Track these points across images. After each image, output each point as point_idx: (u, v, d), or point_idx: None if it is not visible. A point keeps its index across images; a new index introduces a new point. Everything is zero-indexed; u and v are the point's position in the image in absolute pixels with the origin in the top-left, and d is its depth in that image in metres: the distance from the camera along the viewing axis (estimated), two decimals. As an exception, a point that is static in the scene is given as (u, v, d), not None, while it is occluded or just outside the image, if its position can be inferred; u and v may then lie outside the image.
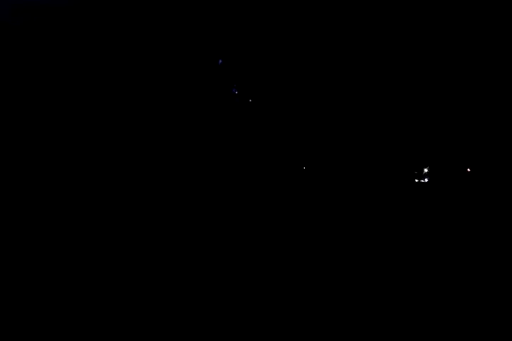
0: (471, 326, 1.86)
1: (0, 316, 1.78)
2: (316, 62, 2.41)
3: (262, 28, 2.41)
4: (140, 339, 1.76)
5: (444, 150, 2.26)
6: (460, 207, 2.16)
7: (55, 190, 2.21)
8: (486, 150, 2.21)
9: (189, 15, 2.42)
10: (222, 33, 2.44)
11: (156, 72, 2.45)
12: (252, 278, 2.04)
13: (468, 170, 2.21)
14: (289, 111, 2.47)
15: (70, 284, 1.95)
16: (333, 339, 1.80)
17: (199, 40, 2.44)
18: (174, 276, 2.02)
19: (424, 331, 1.85)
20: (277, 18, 2.39)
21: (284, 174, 2.40)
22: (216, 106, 2.50)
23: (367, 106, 2.36)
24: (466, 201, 2.17)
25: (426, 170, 2.26)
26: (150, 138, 2.40)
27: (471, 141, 2.23)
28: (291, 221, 2.26)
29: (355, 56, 2.33)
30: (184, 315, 1.85)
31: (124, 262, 2.07)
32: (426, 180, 2.25)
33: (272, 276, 2.06)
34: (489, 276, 1.99)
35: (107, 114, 2.39)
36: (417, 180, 2.26)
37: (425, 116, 2.29)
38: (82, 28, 2.41)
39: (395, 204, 2.24)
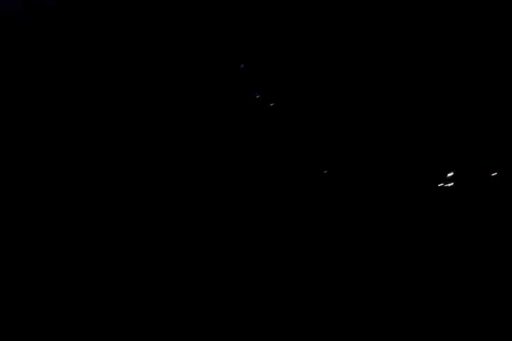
0: (471, 326, 1.85)
1: (0, 316, 1.77)
2: (343, 68, 2.41)
3: (284, 34, 2.41)
4: (140, 339, 1.76)
5: (469, 154, 2.25)
6: (486, 212, 2.16)
7: (56, 190, 2.20)
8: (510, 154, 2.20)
9: (214, 22, 2.41)
10: (244, 38, 2.43)
11: (179, 76, 2.45)
12: (252, 277, 2.03)
13: (493, 174, 2.20)
14: (312, 115, 2.46)
15: (69, 284, 1.92)
16: (333, 339, 1.80)
17: (222, 45, 2.43)
18: (175, 275, 2.01)
19: (424, 331, 1.85)
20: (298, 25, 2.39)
21: (303, 176, 2.40)
22: (237, 110, 2.50)
23: (390, 110, 2.35)
24: (491, 206, 2.17)
25: (450, 174, 2.25)
26: (166, 138, 2.40)
27: (497, 144, 2.23)
28: (306, 221, 2.26)
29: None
30: (184, 314, 1.85)
31: (124, 262, 2.04)
32: (450, 184, 2.24)
33: (274, 276, 2.05)
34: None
35: (128, 114, 2.39)
36: (440, 185, 2.26)
37: (450, 119, 2.29)
38: (101, 26, 2.40)
39: (418, 208, 2.24)
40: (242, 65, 2.44)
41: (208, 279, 2.03)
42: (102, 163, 2.30)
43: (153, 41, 2.45)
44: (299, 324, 1.87)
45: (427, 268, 2.09)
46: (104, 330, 1.79)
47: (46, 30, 2.39)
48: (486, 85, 2.21)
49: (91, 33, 2.41)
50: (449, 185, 2.25)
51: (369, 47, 2.33)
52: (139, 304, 1.91)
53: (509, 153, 2.19)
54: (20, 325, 1.77)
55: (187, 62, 2.47)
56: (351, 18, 2.30)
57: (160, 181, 2.32)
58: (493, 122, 2.22)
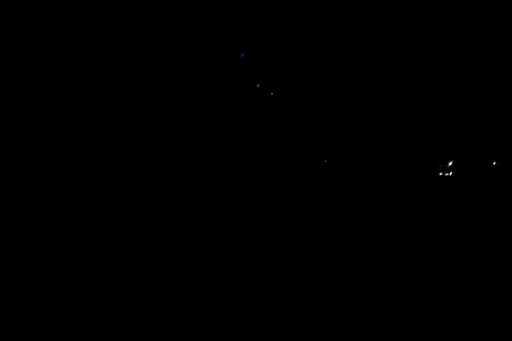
0: (471, 326, 1.86)
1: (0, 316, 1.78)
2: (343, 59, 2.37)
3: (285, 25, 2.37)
4: (140, 339, 1.77)
5: (469, 143, 2.24)
6: (485, 203, 2.17)
7: (55, 190, 2.22)
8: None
9: (215, 12, 2.37)
10: (245, 27, 2.40)
11: (178, 65, 2.44)
12: (253, 276, 2.05)
13: (494, 163, 2.19)
14: (313, 104, 2.45)
15: (69, 284, 1.95)
16: (333, 339, 1.82)
17: (222, 33, 2.40)
18: (174, 276, 2.04)
19: (424, 331, 1.86)
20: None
21: (304, 166, 2.41)
22: (238, 99, 2.49)
23: (391, 98, 2.33)
24: (491, 196, 2.17)
25: (450, 164, 2.25)
26: (164, 131, 2.41)
27: (498, 134, 2.20)
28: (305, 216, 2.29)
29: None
30: (184, 315, 1.87)
31: (124, 262, 2.07)
32: (450, 173, 2.24)
33: (274, 276, 2.05)
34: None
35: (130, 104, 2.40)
36: (441, 174, 2.26)
37: (450, 109, 2.26)
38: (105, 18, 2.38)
39: (418, 198, 2.25)
40: (242, 54, 2.41)
41: (208, 279, 2.05)
42: (101, 159, 2.32)
43: (156, 30, 2.43)
44: (298, 324, 1.89)
45: (428, 260, 2.12)
46: (104, 330, 1.80)
47: (58, 21, 2.38)
48: (488, 76, 2.17)
49: (102, 27, 2.40)
50: (449, 174, 2.25)
51: (372, 36, 2.29)
52: (138, 304, 1.92)
53: (510, 142, 2.17)
54: (20, 325, 1.77)
55: (186, 50, 2.46)
56: (355, 8, 2.24)
57: (159, 172, 2.35)
58: (493, 112, 2.19)
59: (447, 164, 2.26)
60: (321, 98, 2.44)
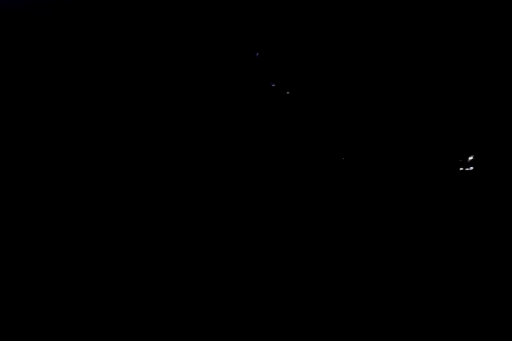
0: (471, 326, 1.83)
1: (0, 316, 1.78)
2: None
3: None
4: (140, 339, 1.76)
5: (491, 136, 2.22)
6: (509, 200, 2.13)
7: (55, 190, 2.21)
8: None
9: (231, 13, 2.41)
10: (259, 26, 2.42)
11: (194, 64, 2.46)
12: (253, 277, 2.05)
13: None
14: (329, 103, 2.46)
15: (69, 284, 1.94)
16: (333, 339, 1.86)
17: (237, 32, 2.43)
18: (174, 276, 2.02)
19: (424, 331, 1.83)
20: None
21: (319, 166, 2.40)
22: (253, 99, 2.50)
23: (409, 94, 2.33)
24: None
25: (471, 158, 2.23)
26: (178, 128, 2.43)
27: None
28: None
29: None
30: (184, 315, 1.86)
31: (124, 262, 2.05)
32: (471, 168, 2.22)
33: (274, 276, 2.03)
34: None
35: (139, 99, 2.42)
36: (461, 169, 2.24)
37: (468, 101, 2.25)
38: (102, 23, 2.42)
39: (437, 194, 2.22)
40: (257, 53, 2.43)
41: (208, 279, 2.03)
42: (103, 161, 2.32)
43: (169, 33, 2.46)
44: (298, 324, 1.87)
45: (447, 260, 2.09)
46: (104, 330, 1.79)
47: (59, 26, 2.42)
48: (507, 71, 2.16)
49: (104, 32, 2.44)
50: (470, 169, 2.23)
51: (390, 34, 2.30)
52: (138, 304, 1.91)
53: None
54: (20, 325, 1.76)
55: (201, 50, 2.48)
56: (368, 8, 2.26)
57: (165, 170, 2.35)
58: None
59: (467, 158, 2.24)
60: (337, 97, 2.45)
